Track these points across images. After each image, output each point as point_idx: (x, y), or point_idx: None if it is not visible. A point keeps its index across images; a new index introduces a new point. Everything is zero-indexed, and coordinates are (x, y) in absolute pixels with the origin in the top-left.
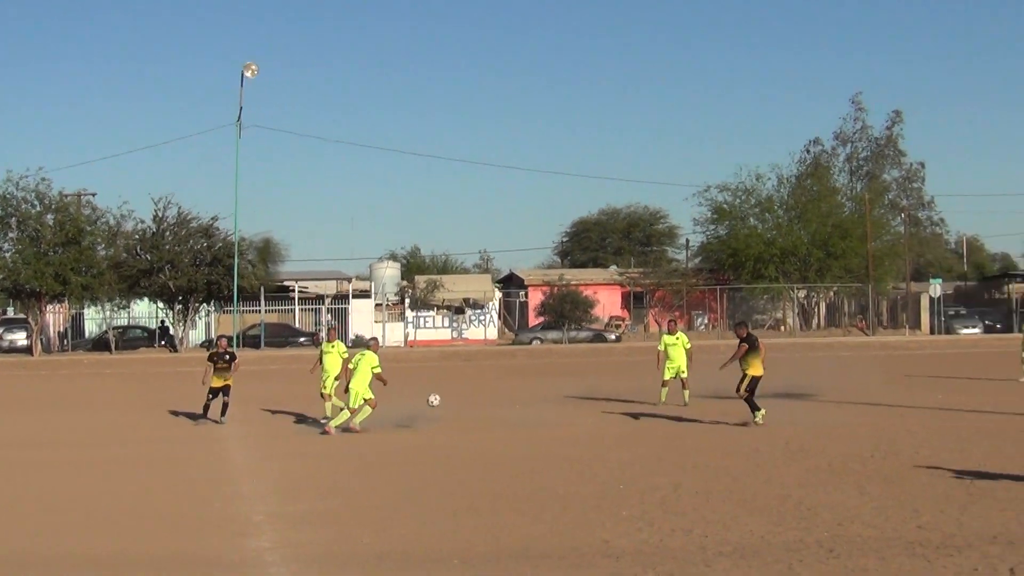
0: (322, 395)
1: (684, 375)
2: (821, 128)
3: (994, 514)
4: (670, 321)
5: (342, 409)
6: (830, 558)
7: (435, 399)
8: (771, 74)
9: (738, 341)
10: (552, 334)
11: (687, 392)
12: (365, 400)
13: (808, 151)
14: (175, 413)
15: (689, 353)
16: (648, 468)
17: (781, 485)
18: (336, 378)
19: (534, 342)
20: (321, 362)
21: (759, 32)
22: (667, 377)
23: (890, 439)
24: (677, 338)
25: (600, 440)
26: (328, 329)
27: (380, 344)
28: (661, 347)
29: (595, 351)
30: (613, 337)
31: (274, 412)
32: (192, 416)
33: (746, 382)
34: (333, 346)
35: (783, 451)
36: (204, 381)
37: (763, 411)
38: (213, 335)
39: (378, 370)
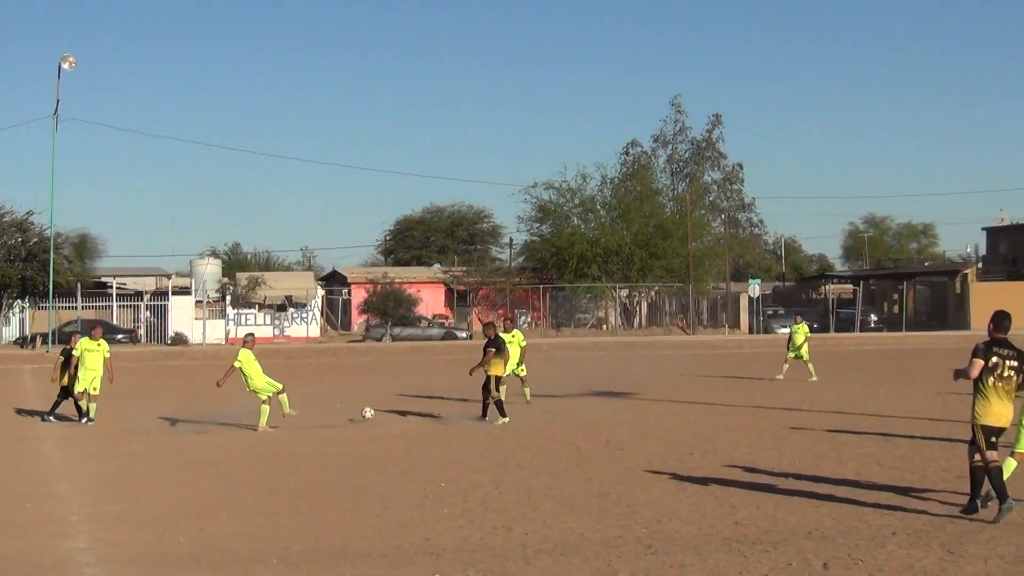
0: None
1: (523, 373)
2: (649, 127)
3: (809, 510)
4: (506, 320)
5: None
6: (648, 554)
7: (368, 412)
8: (597, 74)
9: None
10: (408, 331)
11: (528, 390)
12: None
13: (627, 152)
14: None
15: (524, 351)
16: (470, 466)
17: (601, 483)
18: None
19: (385, 339)
20: None
21: (583, 32)
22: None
23: (709, 437)
24: (513, 336)
25: (422, 438)
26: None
27: (199, 341)
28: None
29: (419, 349)
30: (463, 335)
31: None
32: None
33: (492, 383)
34: (98, 345)
35: (604, 449)
36: (53, 378)
37: (508, 419)
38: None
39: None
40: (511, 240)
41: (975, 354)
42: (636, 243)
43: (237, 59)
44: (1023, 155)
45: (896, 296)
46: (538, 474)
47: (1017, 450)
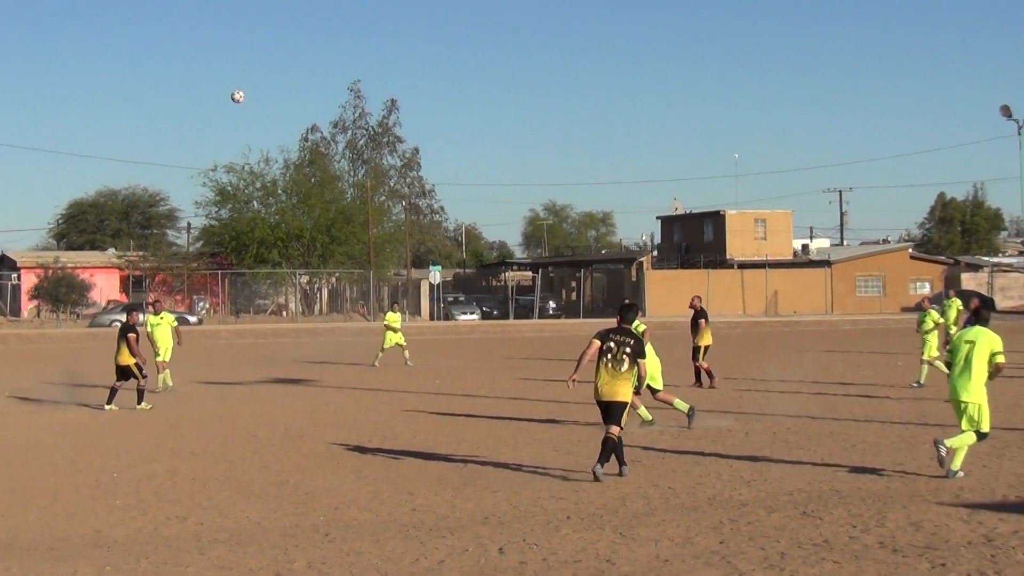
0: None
1: (165, 359)
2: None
3: (486, 496)
4: (155, 302)
5: None
6: (326, 542)
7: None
8: (278, 56)
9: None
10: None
11: (163, 375)
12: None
13: (307, 138)
14: None
15: (176, 332)
16: (145, 456)
17: (279, 471)
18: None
19: (113, 324)
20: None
21: (265, 14)
22: (162, 359)
23: (388, 424)
24: (162, 318)
25: (95, 427)
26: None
27: None
28: (148, 328)
29: (95, 335)
30: (194, 320)
31: None
32: None
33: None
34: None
35: (282, 437)
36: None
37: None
38: None
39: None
40: (188, 224)
41: (595, 336)
42: (317, 228)
43: None
44: (695, 147)
45: (574, 284)
46: (215, 463)
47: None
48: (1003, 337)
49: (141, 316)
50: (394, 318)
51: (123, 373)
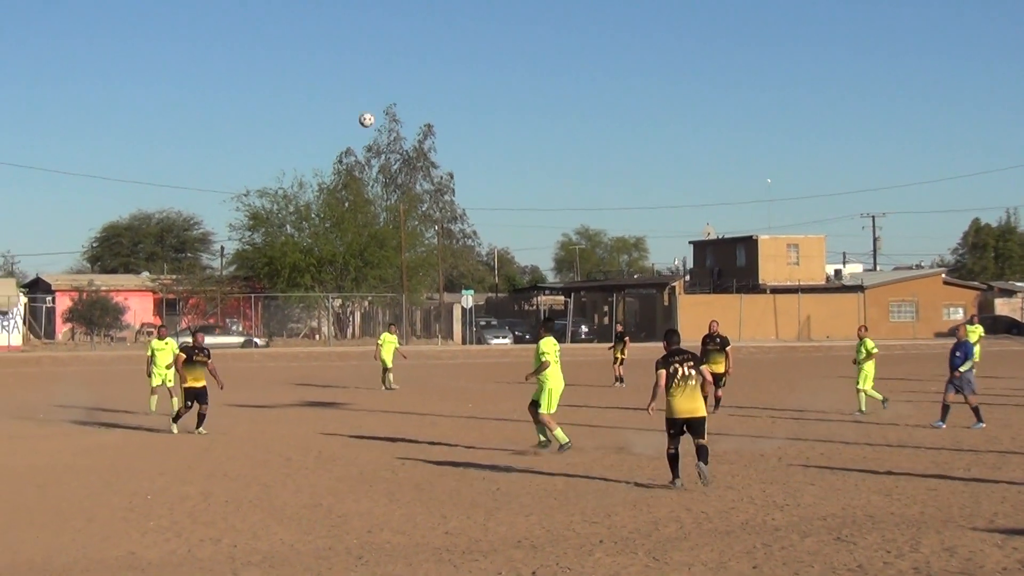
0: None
1: (171, 383)
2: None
3: (519, 520)
4: (160, 327)
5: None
6: (359, 565)
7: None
8: (313, 80)
9: None
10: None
11: (176, 400)
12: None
13: (341, 161)
14: None
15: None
16: (178, 478)
17: (312, 494)
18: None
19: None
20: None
21: (296, 36)
22: (155, 384)
23: (421, 447)
24: (166, 343)
25: (129, 450)
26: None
27: None
28: (148, 352)
29: (127, 359)
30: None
31: None
32: None
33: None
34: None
35: (315, 460)
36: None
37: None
38: None
39: None
40: (222, 248)
41: (657, 366)
42: (350, 253)
43: None
44: (728, 172)
45: (606, 308)
46: (248, 485)
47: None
48: None
49: (205, 339)
50: (390, 339)
51: (193, 395)
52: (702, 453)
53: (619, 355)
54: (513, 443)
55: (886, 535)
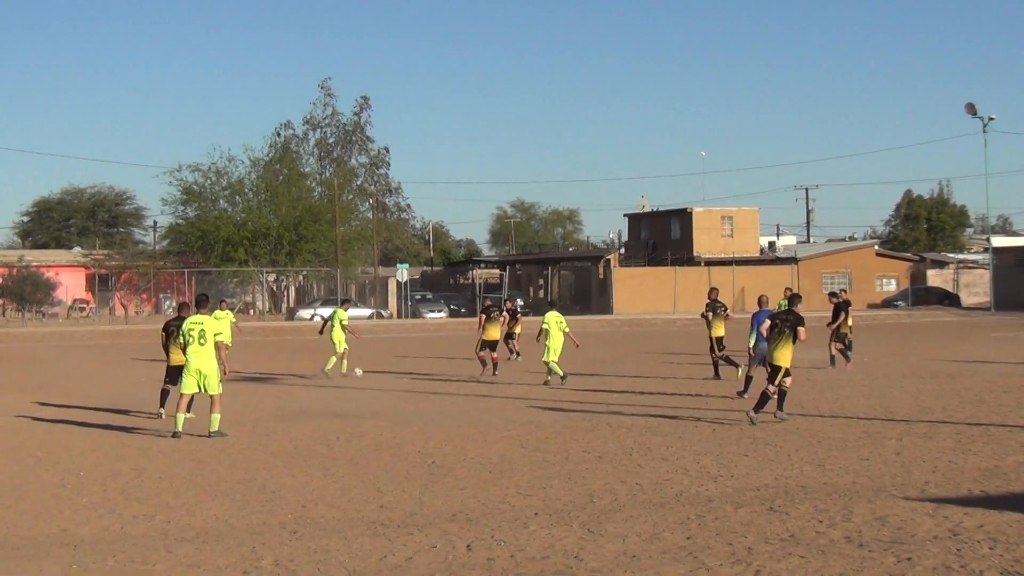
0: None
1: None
2: (302, 110)
3: (454, 493)
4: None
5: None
6: (294, 539)
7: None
8: (248, 53)
9: None
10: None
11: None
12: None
13: (279, 134)
14: None
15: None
16: (111, 454)
17: (246, 469)
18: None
19: (315, 318)
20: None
21: (229, 9)
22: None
23: (355, 422)
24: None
25: (61, 426)
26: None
27: None
28: (335, 321)
29: (61, 335)
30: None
31: None
32: None
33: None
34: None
35: (250, 434)
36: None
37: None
38: None
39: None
40: (155, 223)
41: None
42: (284, 226)
43: None
44: (663, 145)
45: (542, 281)
46: (181, 461)
47: None
48: (967, 332)
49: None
50: (342, 317)
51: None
52: (762, 399)
53: (514, 330)
54: (448, 417)
55: (818, 505)
